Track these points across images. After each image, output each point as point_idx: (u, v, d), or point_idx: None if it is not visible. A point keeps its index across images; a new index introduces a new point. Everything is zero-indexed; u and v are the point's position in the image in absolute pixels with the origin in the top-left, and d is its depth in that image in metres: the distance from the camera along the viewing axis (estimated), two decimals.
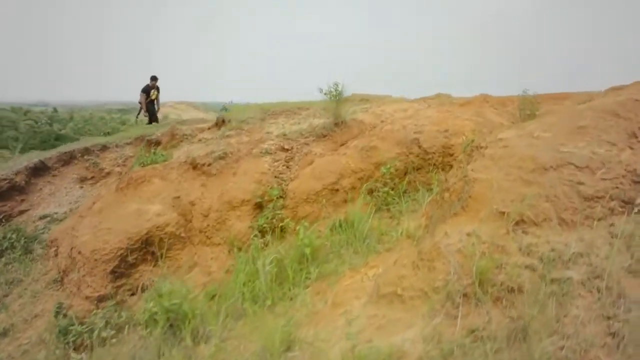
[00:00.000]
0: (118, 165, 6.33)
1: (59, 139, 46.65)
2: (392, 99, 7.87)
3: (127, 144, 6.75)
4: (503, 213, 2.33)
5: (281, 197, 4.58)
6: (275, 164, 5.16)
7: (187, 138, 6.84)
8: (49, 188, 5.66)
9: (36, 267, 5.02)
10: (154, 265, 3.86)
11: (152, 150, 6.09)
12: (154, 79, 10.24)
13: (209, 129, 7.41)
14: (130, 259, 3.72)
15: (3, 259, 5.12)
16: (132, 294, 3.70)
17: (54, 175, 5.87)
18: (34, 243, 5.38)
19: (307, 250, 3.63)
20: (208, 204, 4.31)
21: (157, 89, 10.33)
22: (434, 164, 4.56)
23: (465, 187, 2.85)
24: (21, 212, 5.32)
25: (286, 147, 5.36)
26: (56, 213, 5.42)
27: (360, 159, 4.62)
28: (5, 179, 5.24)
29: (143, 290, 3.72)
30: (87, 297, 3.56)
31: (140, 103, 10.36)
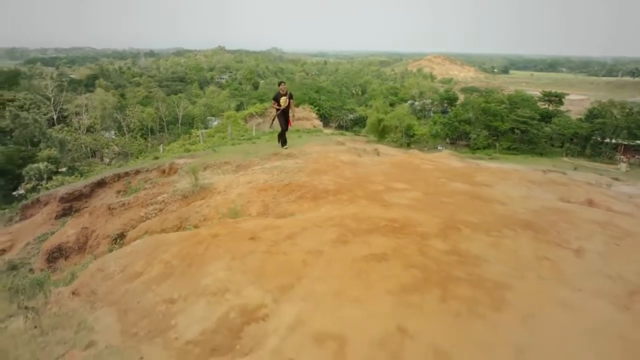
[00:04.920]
0: (142, 187, 11.12)
1: (318, 90, 60.26)
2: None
3: (154, 169, 11.45)
4: None
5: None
6: (152, 211, 8.66)
7: (178, 171, 10.96)
8: (102, 195, 11.01)
9: None
10: (65, 259, 8.35)
11: (141, 179, 10.57)
12: (280, 84, 10.52)
13: None
14: (54, 254, 8.33)
15: None
16: (55, 270, 8.33)
17: (109, 187, 11.21)
18: None
19: None
20: (98, 232, 8.41)
21: (289, 95, 10.37)
22: None
23: None
24: (84, 208, 10.89)
25: (166, 201, 8.70)
26: None
27: (159, 222, 7.57)
28: (77, 190, 10.89)
29: (56, 270, 8.28)
30: (40, 267, 8.43)
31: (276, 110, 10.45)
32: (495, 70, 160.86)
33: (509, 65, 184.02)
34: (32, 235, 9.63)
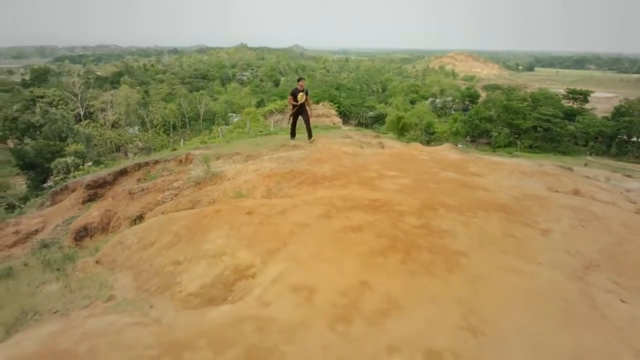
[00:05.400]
0: (160, 175, 12.01)
1: (339, 88, 61.20)
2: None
3: (172, 159, 12.32)
4: None
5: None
6: (168, 195, 9.49)
7: (193, 161, 11.78)
8: (124, 183, 11.92)
9: None
10: (90, 238, 9.26)
11: (160, 168, 11.45)
12: (299, 80, 10.69)
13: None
14: (80, 234, 9.23)
15: None
16: (81, 248, 9.24)
17: (130, 175, 12.12)
18: None
19: None
20: (119, 215, 9.29)
21: (306, 91, 10.53)
22: None
23: None
24: (107, 194, 11.84)
25: (180, 187, 9.52)
26: None
27: (174, 204, 8.38)
28: (102, 178, 11.84)
29: (82, 247, 9.21)
30: (68, 244, 9.37)
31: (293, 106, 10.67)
32: (520, 67, 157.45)
33: (535, 63, 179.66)
34: (61, 218, 10.64)
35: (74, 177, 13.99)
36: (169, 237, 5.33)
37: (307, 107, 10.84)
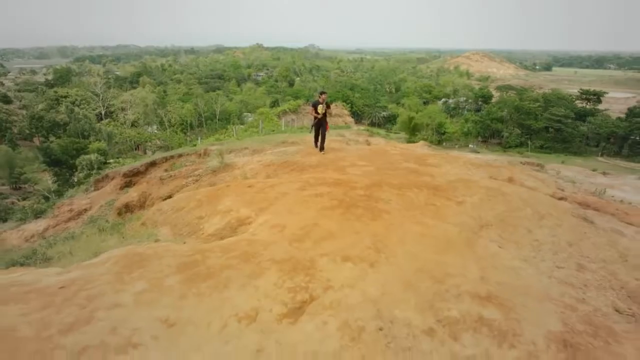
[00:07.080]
0: (183, 165, 14.69)
1: (353, 88, 63.68)
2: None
3: (193, 153, 14.99)
4: None
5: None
6: (191, 181, 12.13)
7: (210, 154, 14.45)
8: (154, 174, 14.59)
9: None
10: (130, 213, 11.93)
11: (183, 160, 14.14)
12: (321, 93, 11.12)
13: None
14: (122, 210, 11.92)
15: None
16: (125, 220, 11.91)
17: (158, 167, 14.82)
18: None
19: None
20: (153, 195, 11.96)
21: (327, 104, 11.10)
22: None
23: None
24: (140, 181, 14.54)
25: (200, 174, 12.15)
26: None
27: (196, 187, 11.00)
28: (136, 168, 14.54)
29: (125, 220, 11.89)
30: (113, 218, 12.05)
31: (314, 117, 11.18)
32: (537, 67, 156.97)
33: (553, 62, 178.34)
34: (104, 200, 13.41)
35: (111, 168, 16.84)
36: (194, 203, 7.93)
37: (326, 120, 11.23)
